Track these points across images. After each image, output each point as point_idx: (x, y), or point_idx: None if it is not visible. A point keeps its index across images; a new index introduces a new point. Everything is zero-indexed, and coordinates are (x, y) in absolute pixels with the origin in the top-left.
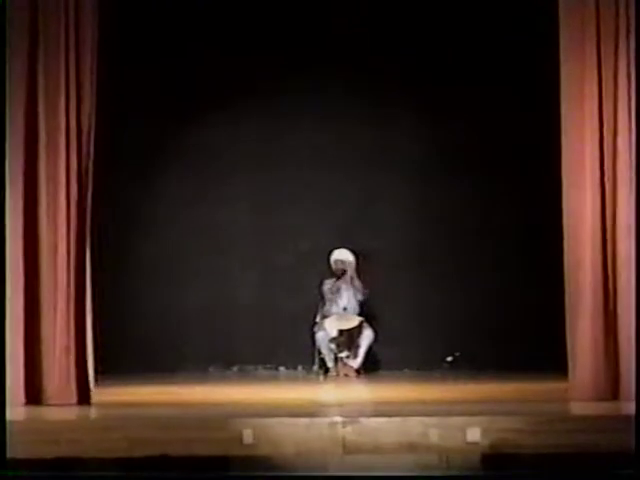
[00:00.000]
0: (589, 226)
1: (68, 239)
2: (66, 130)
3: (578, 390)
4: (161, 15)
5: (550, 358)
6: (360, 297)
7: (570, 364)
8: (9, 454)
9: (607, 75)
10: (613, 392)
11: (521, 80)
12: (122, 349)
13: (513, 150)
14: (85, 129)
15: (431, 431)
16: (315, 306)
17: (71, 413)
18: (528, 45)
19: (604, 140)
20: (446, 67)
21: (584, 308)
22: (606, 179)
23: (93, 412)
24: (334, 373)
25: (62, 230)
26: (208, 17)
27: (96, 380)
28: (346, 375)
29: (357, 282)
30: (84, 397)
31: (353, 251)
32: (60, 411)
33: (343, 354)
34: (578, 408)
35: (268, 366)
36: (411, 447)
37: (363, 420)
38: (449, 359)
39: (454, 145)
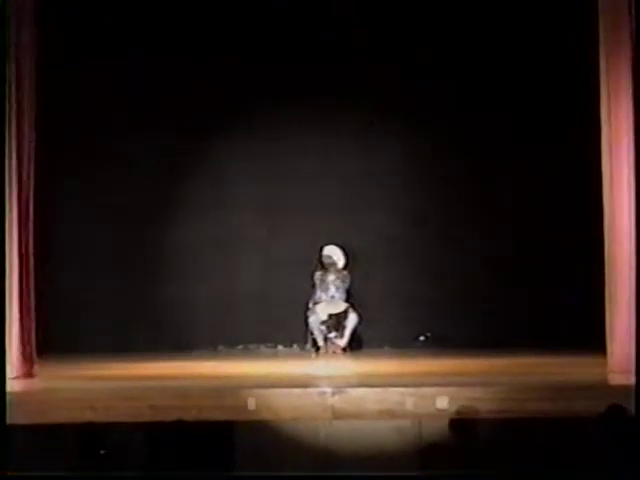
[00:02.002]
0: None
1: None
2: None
3: (617, 364)
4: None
5: (535, 336)
6: (346, 285)
7: (608, 340)
8: (51, 419)
9: None
10: None
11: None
12: (143, 330)
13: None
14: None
15: (407, 399)
16: (308, 294)
17: (104, 385)
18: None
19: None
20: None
21: (622, 292)
22: None
23: (122, 384)
24: (324, 351)
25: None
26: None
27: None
28: (334, 352)
29: (344, 273)
30: (27, 372)
31: (341, 247)
32: (94, 383)
33: (332, 334)
34: (540, 380)
35: (268, 345)
36: (390, 413)
37: (349, 390)
38: (421, 338)
39: (435, 151)
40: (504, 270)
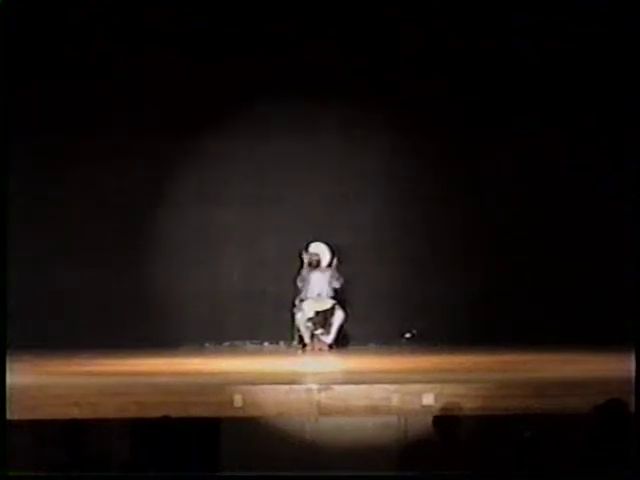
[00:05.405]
0: None
1: None
2: None
3: None
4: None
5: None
6: (337, 284)
7: None
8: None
9: None
10: None
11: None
12: (130, 326)
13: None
14: None
15: (392, 396)
16: (294, 291)
17: (90, 381)
18: None
19: None
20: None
21: None
22: None
23: (108, 380)
24: (310, 348)
25: None
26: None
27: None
28: (320, 349)
29: (334, 271)
30: None
31: (327, 244)
32: (79, 379)
33: (318, 331)
34: (525, 377)
35: (255, 342)
36: (375, 409)
37: (335, 387)
38: (407, 335)
39: (422, 149)
40: (489, 268)
